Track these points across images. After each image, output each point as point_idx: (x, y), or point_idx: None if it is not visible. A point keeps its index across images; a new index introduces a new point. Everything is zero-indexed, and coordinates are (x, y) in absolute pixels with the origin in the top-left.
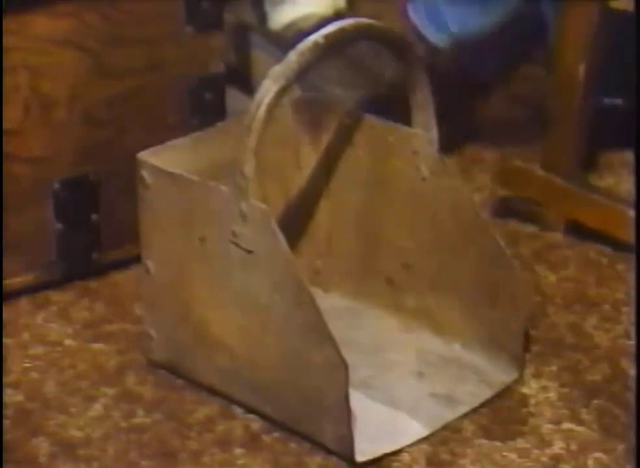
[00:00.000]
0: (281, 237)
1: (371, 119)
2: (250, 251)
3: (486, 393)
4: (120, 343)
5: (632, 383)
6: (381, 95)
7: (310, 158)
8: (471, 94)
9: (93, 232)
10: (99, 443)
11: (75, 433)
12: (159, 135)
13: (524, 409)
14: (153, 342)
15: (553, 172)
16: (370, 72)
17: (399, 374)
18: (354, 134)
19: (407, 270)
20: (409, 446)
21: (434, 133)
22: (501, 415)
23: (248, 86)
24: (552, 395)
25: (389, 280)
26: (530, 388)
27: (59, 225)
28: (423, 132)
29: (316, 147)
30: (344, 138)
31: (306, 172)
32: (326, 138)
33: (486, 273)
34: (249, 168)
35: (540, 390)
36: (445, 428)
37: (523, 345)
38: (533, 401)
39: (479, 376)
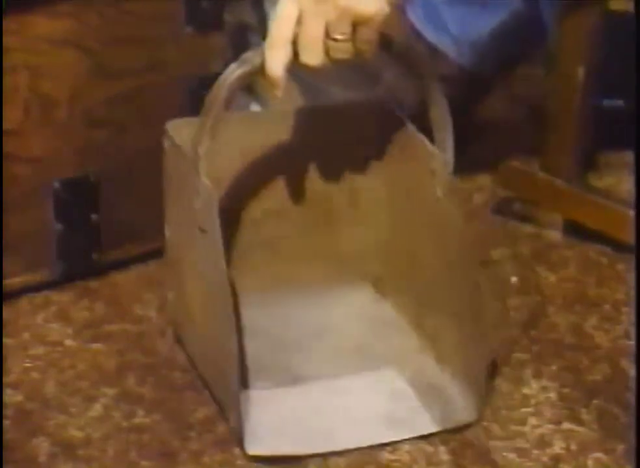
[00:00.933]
0: (216, 221)
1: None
2: (203, 231)
3: (434, 428)
4: (120, 343)
5: (632, 384)
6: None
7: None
8: (470, 95)
9: (93, 232)
10: (99, 443)
11: (75, 434)
12: (159, 135)
13: (524, 409)
14: (169, 304)
15: (552, 173)
16: (370, 72)
17: (374, 388)
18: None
19: (427, 289)
20: (409, 446)
21: (450, 155)
22: (501, 415)
23: (248, 86)
24: (552, 395)
25: (417, 297)
26: (530, 388)
27: (59, 225)
28: (441, 153)
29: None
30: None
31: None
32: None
33: (465, 306)
34: (202, 148)
35: (540, 391)
36: (446, 429)
37: (483, 386)
38: (533, 401)
39: (444, 408)
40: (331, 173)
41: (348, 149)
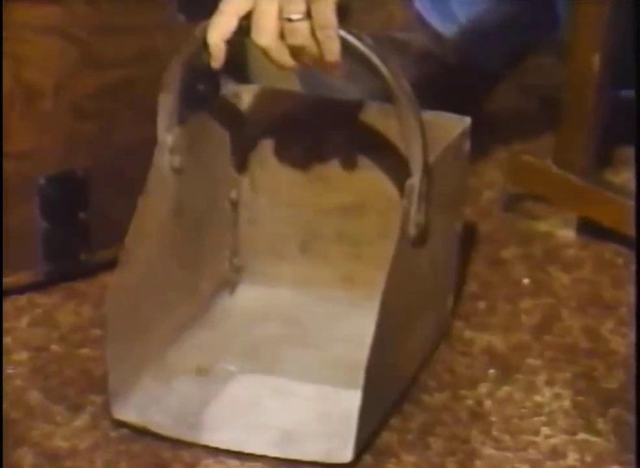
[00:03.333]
0: (160, 176)
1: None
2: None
3: (314, 458)
4: None
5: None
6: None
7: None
8: (479, 86)
9: (81, 231)
10: (87, 454)
11: (61, 444)
12: (150, 128)
13: (536, 418)
14: None
15: (566, 168)
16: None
17: (317, 403)
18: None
19: None
20: (413, 459)
21: (415, 180)
22: (512, 424)
23: (243, 76)
24: (566, 403)
25: None
26: (543, 396)
27: (45, 224)
28: (410, 179)
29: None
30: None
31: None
32: None
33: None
34: (161, 126)
35: (554, 399)
36: (453, 438)
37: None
38: (546, 409)
39: (336, 445)
40: (403, 176)
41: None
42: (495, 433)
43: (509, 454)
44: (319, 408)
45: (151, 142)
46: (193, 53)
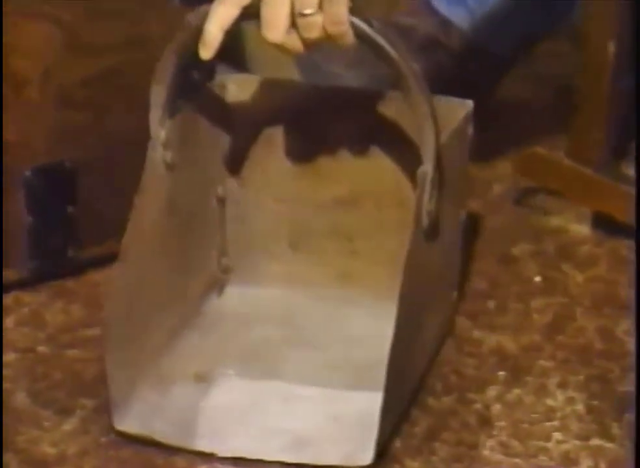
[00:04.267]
0: (154, 172)
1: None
2: (142, 189)
3: (330, 461)
4: (100, 349)
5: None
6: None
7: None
8: (488, 74)
9: (69, 226)
10: (75, 460)
11: (48, 450)
12: (141, 117)
13: (548, 423)
14: None
15: (580, 160)
16: None
17: (324, 405)
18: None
19: None
20: (418, 465)
21: (428, 167)
22: (522, 429)
23: (239, 63)
24: (579, 408)
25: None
26: (555, 399)
27: (31, 219)
28: (422, 163)
29: None
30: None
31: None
32: None
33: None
34: (154, 116)
35: (566, 402)
36: (459, 443)
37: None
38: (558, 414)
39: (355, 447)
40: (404, 169)
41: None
42: (504, 438)
43: (519, 461)
44: (328, 411)
45: (143, 132)
46: (188, 41)
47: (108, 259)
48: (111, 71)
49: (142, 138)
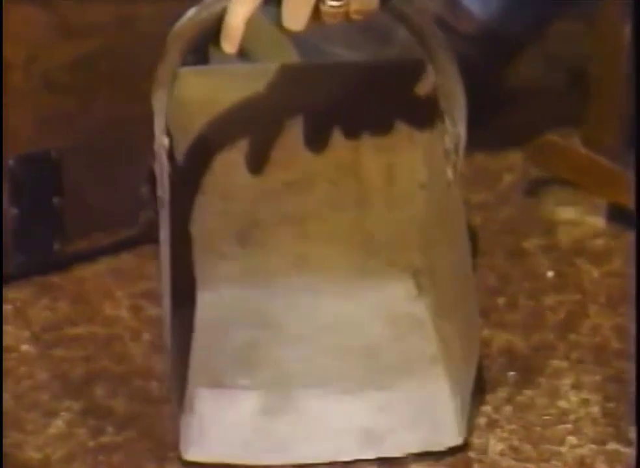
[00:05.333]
0: (166, 188)
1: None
2: (160, 199)
3: (413, 449)
4: (87, 349)
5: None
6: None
7: None
8: (498, 57)
9: (55, 218)
10: (61, 466)
11: (33, 454)
12: (131, 103)
13: (561, 426)
14: None
15: (595, 149)
16: (379, 31)
17: (362, 397)
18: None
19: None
20: None
21: (461, 129)
22: (534, 432)
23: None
24: (594, 410)
25: (439, 296)
26: (569, 401)
27: (15, 211)
28: (452, 127)
29: None
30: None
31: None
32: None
33: (465, 311)
34: (158, 103)
35: (581, 404)
36: (468, 447)
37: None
38: (572, 417)
39: (431, 430)
40: (364, 143)
41: (385, 117)
42: (515, 442)
43: (531, 466)
44: (368, 402)
45: (132, 119)
46: (194, 36)
47: (96, 253)
48: (99, 55)
49: (132, 125)
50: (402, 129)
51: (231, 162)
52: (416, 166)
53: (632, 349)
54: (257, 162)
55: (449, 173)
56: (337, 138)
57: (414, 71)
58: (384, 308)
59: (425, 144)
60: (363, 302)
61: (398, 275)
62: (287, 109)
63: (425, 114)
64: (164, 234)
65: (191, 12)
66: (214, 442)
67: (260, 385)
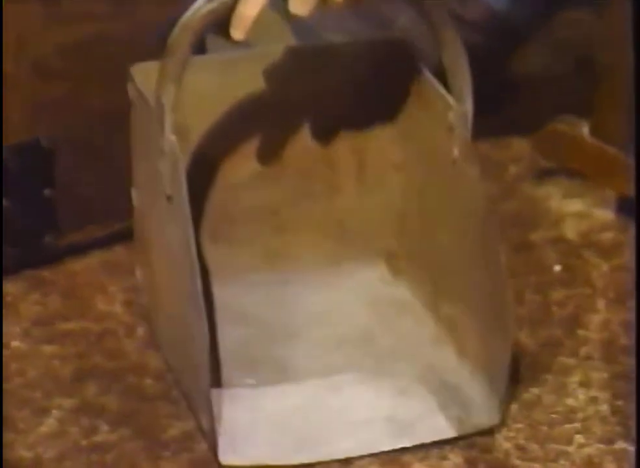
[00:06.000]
0: (183, 185)
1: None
2: (169, 198)
3: (450, 433)
4: (79, 345)
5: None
6: None
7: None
8: (504, 44)
9: (46, 210)
10: (53, 465)
11: (24, 454)
12: (123, 91)
13: (569, 425)
14: (140, 289)
15: (604, 138)
16: (378, 17)
17: (378, 384)
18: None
19: (443, 270)
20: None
21: (468, 106)
22: (541, 431)
23: (229, 30)
24: (603, 408)
25: (433, 279)
26: (577, 399)
27: (5, 203)
28: (458, 103)
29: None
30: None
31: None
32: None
33: (485, 291)
34: (166, 97)
35: (589, 402)
36: (472, 446)
37: (505, 384)
38: (580, 415)
39: (461, 409)
40: (334, 129)
41: (354, 100)
42: (521, 441)
43: (537, 466)
44: (386, 390)
45: (127, 107)
46: (205, 27)
47: (88, 247)
48: (91, 41)
49: (126, 113)
50: (374, 111)
51: (196, 154)
52: (389, 148)
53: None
54: (226, 154)
55: (455, 150)
56: (306, 124)
57: (389, 49)
58: (364, 294)
59: (401, 125)
60: (342, 290)
61: (370, 260)
62: (252, 97)
63: (400, 93)
64: (184, 232)
65: (199, 2)
66: (245, 446)
67: (268, 384)
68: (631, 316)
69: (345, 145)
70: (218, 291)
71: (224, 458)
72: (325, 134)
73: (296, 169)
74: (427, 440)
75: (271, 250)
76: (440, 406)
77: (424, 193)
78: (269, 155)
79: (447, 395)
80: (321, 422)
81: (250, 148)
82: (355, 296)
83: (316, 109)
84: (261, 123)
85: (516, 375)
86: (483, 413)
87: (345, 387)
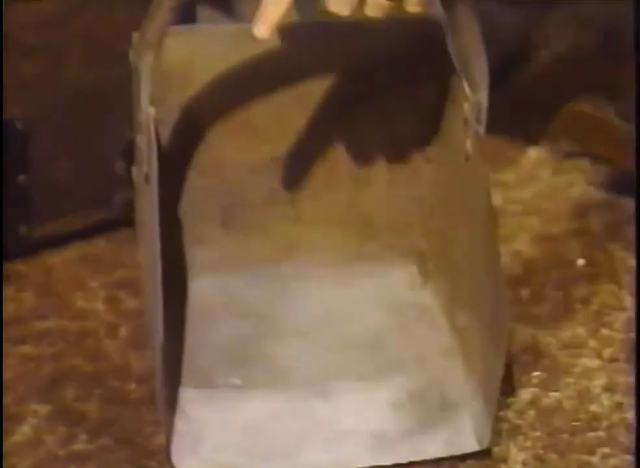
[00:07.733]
0: (154, 162)
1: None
2: (146, 176)
3: (433, 454)
4: (57, 345)
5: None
6: None
7: None
8: (525, 18)
9: (20, 199)
10: None
11: None
12: (106, 68)
13: (592, 434)
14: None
15: (631, 120)
16: None
17: (371, 395)
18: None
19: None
20: None
21: (483, 95)
22: (561, 440)
23: (225, 5)
24: (629, 415)
25: (451, 283)
26: (601, 405)
27: None
28: (472, 94)
29: None
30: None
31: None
32: None
33: (487, 299)
34: (144, 64)
35: (614, 409)
36: (486, 456)
37: (495, 405)
38: (604, 423)
39: (452, 432)
40: (363, 112)
41: (385, 80)
42: (539, 451)
43: None
44: (377, 401)
45: (108, 86)
46: None
47: (66, 238)
48: (69, 13)
49: (107, 92)
50: (407, 97)
51: (213, 134)
52: (423, 138)
53: None
54: (243, 135)
55: (468, 145)
56: (332, 106)
57: (424, 31)
58: (385, 296)
59: (434, 114)
60: (360, 290)
61: (399, 260)
62: (276, 74)
63: (435, 80)
64: (151, 214)
65: None
66: (210, 450)
67: (255, 385)
68: None
69: (374, 131)
70: (223, 281)
71: (176, 460)
72: (352, 119)
73: (321, 156)
74: (408, 460)
75: (285, 241)
76: (430, 425)
77: (450, 189)
78: (290, 138)
79: (441, 415)
80: (300, 431)
81: (269, 130)
82: (372, 297)
83: (343, 90)
84: (282, 103)
85: (534, 379)
86: (473, 437)
87: (336, 394)
